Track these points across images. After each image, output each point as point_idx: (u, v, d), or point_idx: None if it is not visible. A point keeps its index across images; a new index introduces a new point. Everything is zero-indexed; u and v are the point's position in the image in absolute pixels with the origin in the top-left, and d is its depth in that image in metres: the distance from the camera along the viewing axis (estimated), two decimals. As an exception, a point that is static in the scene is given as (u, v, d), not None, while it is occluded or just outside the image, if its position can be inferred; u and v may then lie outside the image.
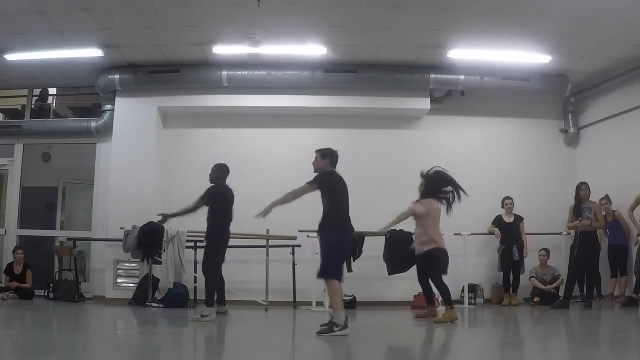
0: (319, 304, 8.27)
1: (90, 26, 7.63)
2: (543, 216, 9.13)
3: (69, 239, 9.09)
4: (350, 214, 5.75)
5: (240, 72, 8.91)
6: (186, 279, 8.51)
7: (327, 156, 5.82)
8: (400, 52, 8.61)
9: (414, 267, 7.16)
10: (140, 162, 9.02)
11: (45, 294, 8.98)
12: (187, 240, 8.37)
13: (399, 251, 7.57)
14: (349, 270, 7.77)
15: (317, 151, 5.91)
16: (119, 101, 9.25)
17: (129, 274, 8.75)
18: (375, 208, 8.60)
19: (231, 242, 7.80)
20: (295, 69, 8.88)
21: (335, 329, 5.38)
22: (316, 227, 5.76)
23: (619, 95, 8.99)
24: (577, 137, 9.91)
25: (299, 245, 8.31)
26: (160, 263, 8.44)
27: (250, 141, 9.55)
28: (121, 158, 9.03)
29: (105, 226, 8.96)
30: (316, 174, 5.83)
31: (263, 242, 8.49)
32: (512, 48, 8.31)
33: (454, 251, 8.55)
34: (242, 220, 7.77)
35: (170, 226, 8.38)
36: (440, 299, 7.22)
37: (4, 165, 9.85)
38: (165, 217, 7.18)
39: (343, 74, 8.92)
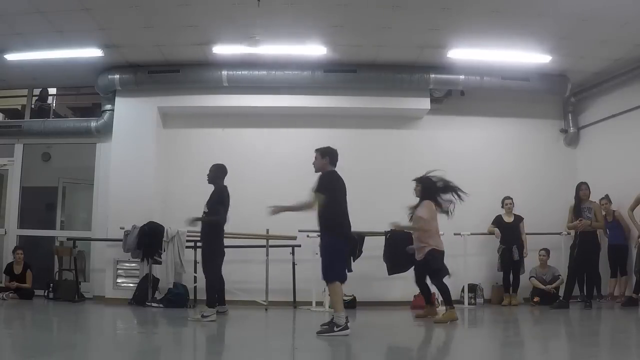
0: (319, 304, 8.27)
1: (90, 26, 7.63)
2: (543, 216, 9.13)
3: (69, 239, 9.09)
4: (349, 214, 5.77)
5: (240, 72, 8.91)
6: (186, 279, 8.51)
7: (327, 155, 5.82)
8: (400, 52, 8.61)
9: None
10: (140, 162, 9.02)
11: (45, 294, 8.97)
12: (187, 240, 8.36)
13: (399, 251, 7.58)
14: (349, 270, 7.76)
15: (316, 150, 5.92)
16: (119, 101, 9.25)
17: (129, 274, 8.74)
18: (375, 208, 8.66)
19: (231, 242, 7.82)
20: (295, 69, 8.88)
21: (335, 329, 5.40)
22: (316, 227, 5.78)
23: (619, 95, 8.98)
24: (577, 137, 9.90)
25: (299, 245, 8.31)
26: (160, 263, 8.44)
27: (250, 141, 9.55)
28: (121, 158, 9.03)
29: (105, 226, 8.96)
30: (318, 173, 5.83)
31: (263, 242, 8.49)
32: (512, 48, 8.30)
33: (454, 251, 8.58)
34: (242, 220, 7.80)
35: (170, 226, 8.39)
36: (440, 299, 7.24)
37: (4, 165, 9.85)
38: (195, 220, 6.91)
39: (343, 74, 8.92)
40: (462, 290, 8.78)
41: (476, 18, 7.44)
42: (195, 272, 8.34)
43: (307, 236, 7.87)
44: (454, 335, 6.11)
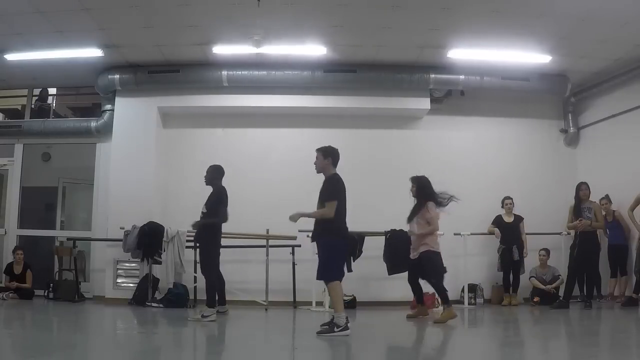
0: (319, 304, 8.27)
1: (90, 26, 7.63)
2: (543, 216, 9.13)
3: (69, 239, 9.08)
4: (349, 214, 5.76)
5: (240, 72, 8.91)
6: (186, 279, 8.51)
7: (329, 155, 5.79)
8: (400, 52, 8.61)
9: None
10: (140, 162, 9.01)
11: (45, 294, 8.97)
12: (187, 240, 8.36)
13: (399, 251, 7.59)
14: (349, 270, 7.77)
15: (318, 150, 5.87)
16: (119, 101, 9.24)
17: (129, 274, 8.74)
18: (375, 208, 8.67)
19: (231, 242, 7.82)
20: (295, 69, 8.88)
21: (336, 329, 5.40)
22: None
23: (619, 95, 8.98)
24: (577, 137, 9.90)
25: (299, 245, 8.30)
26: (160, 263, 8.44)
27: (250, 141, 9.55)
28: (121, 158, 9.03)
29: (105, 226, 8.96)
30: (319, 174, 5.82)
31: (263, 242, 8.48)
32: (512, 48, 8.30)
33: (454, 251, 8.60)
34: (242, 220, 7.80)
35: (170, 226, 8.39)
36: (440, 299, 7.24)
37: (4, 165, 9.85)
38: (197, 224, 6.94)
39: (343, 74, 8.92)
40: (462, 290, 8.79)
41: (476, 18, 7.43)
42: (195, 272, 8.33)
43: (307, 236, 7.82)
44: (454, 336, 6.12)
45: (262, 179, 9.18)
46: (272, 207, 8.47)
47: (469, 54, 8.52)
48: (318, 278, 5.74)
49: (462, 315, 7.88)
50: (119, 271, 8.77)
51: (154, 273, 8.54)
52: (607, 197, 8.68)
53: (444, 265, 6.98)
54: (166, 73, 8.93)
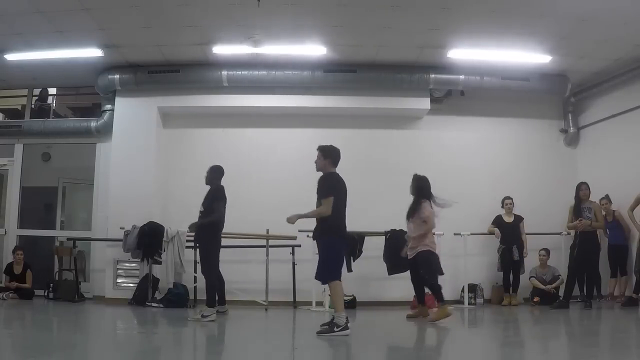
0: (319, 304, 8.27)
1: (90, 26, 7.63)
2: (543, 216, 9.13)
3: (69, 239, 9.08)
4: (349, 214, 5.76)
5: (240, 72, 8.91)
6: (186, 279, 8.51)
7: (330, 156, 5.79)
8: (400, 52, 8.61)
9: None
10: (140, 162, 9.01)
11: (45, 294, 8.97)
12: (187, 240, 8.36)
13: (399, 251, 7.59)
14: (349, 270, 7.79)
15: (319, 149, 5.87)
16: (119, 101, 9.24)
17: (129, 274, 8.74)
18: (375, 208, 8.67)
19: (231, 242, 7.82)
20: (295, 69, 8.88)
21: (336, 329, 5.40)
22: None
23: (619, 95, 8.98)
24: (577, 137, 9.90)
25: (299, 245, 8.30)
26: (160, 263, 8.44)
27: (250, 141, 9.54)
28: (121, 158, 9.03)
29: (105, 226, 8.96)
30: (319, 173, 5.82)
31: (263, 242, 8.48)
32: (512, 48, 8.30)
33: (454, 251, 8.61)
34: (242, 220, 7.80)
35: (170, 226, 8.39)
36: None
37: (4, 165, 9.84)
38: (193, 226, 6.95)
39: (343, 74, 8.92)
40: (462, 290, 8.79)
41: (476, 18, 7.44)
42: (195, 272, 8.33)
43: (307, 236, 7.83)
44: (454, 336, 6.12)
45: (262, 179, 9.18)
46: (272, 207, 8.46)
47: (469, 54, 8.52)
48: (317, 278, 5.76)
49: (462, 315, 7.89)
50: (119, 271, 8.77)
51: (154, 273, 8.54)
52: (607, 197, 8.68)
53: (441, 267, 6.95)
54: (166, 73, 8.93)
